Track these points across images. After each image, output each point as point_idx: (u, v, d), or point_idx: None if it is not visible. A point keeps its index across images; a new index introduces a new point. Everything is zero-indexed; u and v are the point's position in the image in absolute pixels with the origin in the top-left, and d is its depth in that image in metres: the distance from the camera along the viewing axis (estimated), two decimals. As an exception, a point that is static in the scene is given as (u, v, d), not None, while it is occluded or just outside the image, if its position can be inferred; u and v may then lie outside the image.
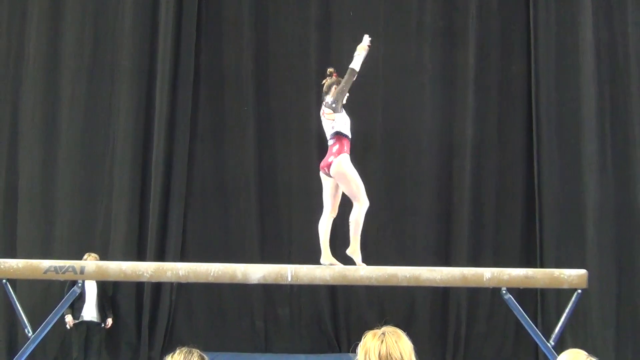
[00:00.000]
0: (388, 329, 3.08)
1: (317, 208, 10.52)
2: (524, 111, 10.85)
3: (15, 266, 6.02)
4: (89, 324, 9.68)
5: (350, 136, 6.44)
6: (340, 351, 10.45)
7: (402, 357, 2.99)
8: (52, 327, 6.20)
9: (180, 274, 6.14)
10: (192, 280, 6.27)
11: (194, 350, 3.13)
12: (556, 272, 6.27)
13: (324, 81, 6.72)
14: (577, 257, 10.20)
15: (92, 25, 10.80)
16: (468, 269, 6.35)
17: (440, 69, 10.92)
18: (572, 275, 6.13)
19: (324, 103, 6.54)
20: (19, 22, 10.77)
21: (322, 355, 10.40)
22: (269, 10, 10.96)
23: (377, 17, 10.90)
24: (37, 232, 10.51)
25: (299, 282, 6.22)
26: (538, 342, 6.32)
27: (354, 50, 10.63)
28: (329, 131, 6.47)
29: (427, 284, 6.25)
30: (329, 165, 6.37)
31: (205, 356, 3.15)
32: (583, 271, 6.17)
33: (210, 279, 6.14)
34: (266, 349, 10.59)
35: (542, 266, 9.99)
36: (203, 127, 10.83)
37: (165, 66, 10.55)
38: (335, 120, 6.41)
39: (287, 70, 10.88)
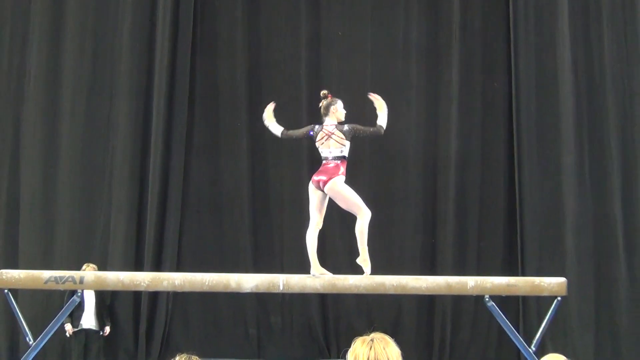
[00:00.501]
0: (376, 336, 3.07)
1: (308, 219, 10.81)
2: (505, 126, 11.00)
3: (17, 276, 6.04)
4: (88, 331, 9.78)
5: (346, 157, 6.70)
6: (330, 357, 10.52)
7: None
8: (52, 335, 6.23)
9: (176, 283, 6.16)
10: (187, 289, 6.31)
11: (193, 356, 3.18)
12: (537, 280, 6.33)
13: (320, 104, 6.94)
14: (557, 266, 10.33)
15: (92, 43, 10.91)
16: (452, 278, 6.44)
17: (425, 86, 11.07)
18: (552, 283, 6.20)
19: (332, 126, 6.78)
20: (20, 41, 10.90)
21: (312, 361, 10.49)
22: (262, 29, 11.12)
23: (364, 36, 11.11)
24: (38, 244, 10.61)
25: (291, 291, 6.27)
26: (520, 348, 6.37)
27: (343, 68, 10.97)
28: (333, 153, 6.69)
29: (414, 292, 6.34)
30: (324, 182, 6.59)
31: None
32: (562, 279, 6.24)
33: (205, 288, 6.17)
34: (259, 356, 10.66)
35: (523, 274, 10.10)
36: (198, 141, 10.93)
37: (161, 83, 10.67)
38: (345, 146, 6.67)
39: (279, 87, 10.99)
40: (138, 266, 10.41)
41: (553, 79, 10.96)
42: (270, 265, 10.27)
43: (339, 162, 6.66)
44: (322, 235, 10.75)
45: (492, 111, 11.16)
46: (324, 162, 6.72)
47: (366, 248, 6.56)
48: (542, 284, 6.27)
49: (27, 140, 10.80)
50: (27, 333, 6.12)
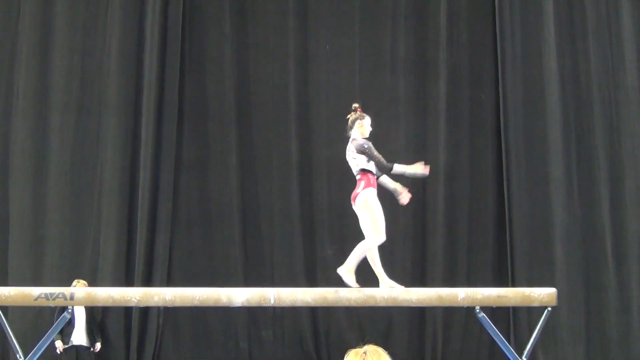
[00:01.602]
0: (369, 348, 3.05)
1: (298, 233, 10.87)
2: (493, 138, 11.07)
3: (7, 293, 5.94)
4: (78, 348, 9.73)
5: (374, 172, 6.61)
6: (321, 370, 10.52)
7: None
8: (43, 352, 6.15)
9: (167, 298, 6.08)
10: (178, 304, 6.23)
11: None
12: (527, 290, 6.35)
13: (348, 116, 6.87)
14: (546, 276, 10.42)
15: (80, 60, 10.91)
16: (443, 289, 6.43)
17: (413, 99, 11.14)
18: (543, 294, 6.18)
19: (350, 140, 6.75)
20: (8, 58, 10.90)
21: (304, 374, 10.46)
22: (250, 45, 11.16)
23: (352, 50, 11.19)
24: (28, 261, 10.57)
25: (282, 304, 6.20)
26: (511, 358, 6.33)
27: (331, 81, 10.99)
28: (353, 167, 6.69)
29: (404, 304, 6.32)
30: (353, 198, 6.59)
31: None
32: (552, 289, 6.24)
33: (196, 303, 6.12)
34: (251, 370, 10.64)
35: (513, 285, 10.13)
36: (187, 157, 10.94)
37: (150, 100, 10.69)
38: (356, 159, 6.60)
39: (267, 102, 11.06)
40: (128, 282, 10.40)
41: (540, 91, 11.06)
42: (261, 279, 10.31)
43: (362, 175, 6.60)
44: (313, 248, 10.91)
45: (480, 123, 11.23)
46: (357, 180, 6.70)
47: (355, 263, 6.57)
48: (532, 294, 6.27)
49: (16, 156, 10.78)
50: (17, 350, 6.05)
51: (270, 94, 11.14)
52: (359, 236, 10.71)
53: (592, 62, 11.18)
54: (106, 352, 10.24)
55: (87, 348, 9.86)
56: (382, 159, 6.61)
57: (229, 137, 10.98)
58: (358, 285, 6.47)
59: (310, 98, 11.15)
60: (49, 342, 6.21)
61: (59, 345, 9.59)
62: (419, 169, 6.77)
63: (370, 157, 6.60)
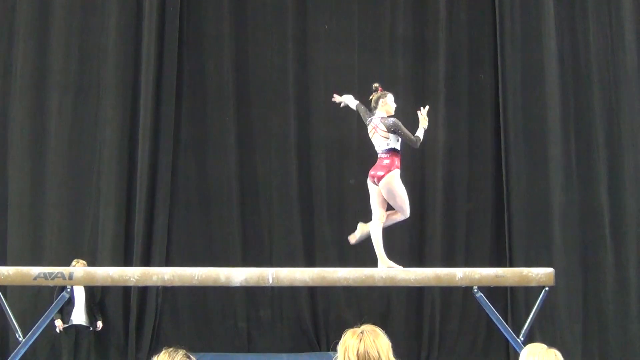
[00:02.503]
0: (366, 328, 3.10)
1: (296, 213, 10.90)
2: (492, 118, 11.09)
3: (5, 273, 5.99)
4: (78, 327, 9.80)
5: (400, 151, 6.70)
6: (320, 350, 10.59)
7: (379, 355, 3.01)
8: (42, 331, 6.23)
9: (166, 278, 6.15)
10: (177, 284, 6.26)
11: (179, 349, 3.16)
12: (525, 270, 6.39)
13: (370, 96, 6.94)
14: (544, 256, 10.46)
15: (78, 40, 10.89)
16: (441, 269, 6.47)
17: (412, 79, 11.15)
18: (540, 274, 6.24)
19: (378, 119, 6.78)
20: (6, 39, 10.86)
21: (303, 354, 10.53)
22: (248, 25, 11.14)
23: (351, 30, 11.18)
24: (26, 240, 10.59)
25: (280, 284, 6.23)
26: (508, 338, 6.43)
27: (329, 62, 10.99)
28: (381, 146, 6.72)
29: (403, 284, 6.38)
30: (379, 177, 6.64)
31: (191, 356, 3.17)
32: (550, 269, 6.30)
33: (195, 283, 6.14)
34: (249, 349, 10.70)
35: (511, 265, 10.17)
36: (186, 137, 10.95)
37: (148, 79, 10.67)
38: (389, 139, 6.67)
39: (266, 82, 11.07)
40: (127, 262, 10.42)
41: (539, 71, 11.06)
42: (260, 259, 10.34)
43: (389, 155, 6.67)
44: (312, 228, 10.93)
45: (479, 103, 11.24)
46: (378, 155, 6.77)
47: (381, 250, 6.70)
48: (530, 274, 6.31)
49: (14, 138, 10.77)
50: (16, 329, 6.10)
51: (269, 74, 11.14)
52: (356, 215, 10.81)
53: (592, 42, 11.18)
54: (105, 331, 10.30)
55: (87, 327, 9.92)
56: (410, 135, 6.69)
57: (228, 117, 10.98)
58: (402, 267, 6.55)
59: (309, 78, 11.14)
60: (47, 321, 6.23)
61: (59, 324, 9.65)
62: (423, 122, 6.87)
63: (401, 135, 6.66)
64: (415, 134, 6.76)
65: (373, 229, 6.77)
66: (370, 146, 10.91)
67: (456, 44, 11.22)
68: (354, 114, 11.00)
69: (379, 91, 6.93)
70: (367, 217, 10.82)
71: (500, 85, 10.95)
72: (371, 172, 6.75)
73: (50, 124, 10.81)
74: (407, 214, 6.78)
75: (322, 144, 11.04)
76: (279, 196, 10.94)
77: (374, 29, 11.25)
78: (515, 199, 10.84)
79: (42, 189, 10.72)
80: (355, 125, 10.99)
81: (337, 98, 7.39)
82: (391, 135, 6.67)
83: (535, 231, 10.89)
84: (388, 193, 6.66)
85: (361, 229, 6.97)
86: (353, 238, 7.06)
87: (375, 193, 6.76)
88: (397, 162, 6.67)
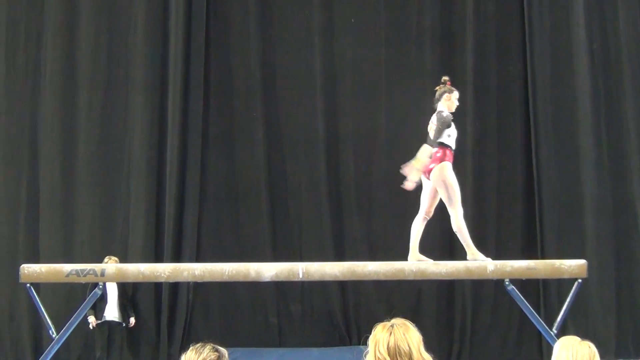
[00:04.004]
0: (397, 322, 3.10)
1: (325, 207, 10.90)
2: (521, 109, 10.99)
3: (38, 271, 6.09)
4: (111, 323, 9.88)
5: (453, 147, 6.66)
6: (350, 344, 10.57)
7: (410, 348, 3.02)
8: (75, 327, 6.30)
9: (196, 273, 6.19)
10: (207, 279, 6.31)
11: (206, 344, 3.17)
12: (557, 262, 6.36)
13: (437, 87, 6.89)
14: (576, 248, 10.33)
15: (106, 38, 10.99)
16: (472, 262, 6.43)
17: (439, 71, 10.77)
18: (573, 266, 6.21)
19: (436, 112, 6.75)
20: (35, 39, 10.97)
21: (333, 348, 10.54)
22: (274, 19, 11.16)
23: (378, 22, 11.12)
24: (58, 238, 10.72)
25: (310, 278, 6.25)
26: (541, 331, 6.39)
27: (356, 55, 10.97)
28: (434, 139, 6.64)
29: (433, 277, 6.38)
30: (429, 170, 6.58)
31: (220, 348, 3.16)
32: (583, 261, 6.26)
33: (225, 278, 6.18)
34: (280, 344, 10.74)
35: (543, 257, 10.05)
36: (214, 133, 10.99)
37: (176, 75, 10.74)
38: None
39: (293, 76, 11.08)
40: (158, 258, 10.51)
41: (568, 61, 10.96)
42: (289, 254, 10.36)
43: (438, 148, 6.60)
44: (341, 222, 10.92)
45: (508, 95, 11.16)
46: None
47: (470, 242, 6.57)
48: (562, 266, 6.27)
49: (45, 135, 10.90)
50: (50, 326, 6.16)
51: (296, 68, 11.14)
52: (385, 209, 10.79)
53: (621, 31, 11.04)
54: (137, 327, 10.37)
55: (119, 323, 10.01)
56: (437, 135, 6.58)
57: (255, 112, 11.01)
58: (490, 259, 6.46)
59: (336, 72, 11.12)
60: (80, 318, 6.31)
61: (92, 320, 9.74)
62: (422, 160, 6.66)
63: (436, 129, 6.59)
64: (437, 140, 6.63)
65: (415, 222, 6.76)
66: (398, 140, 10.99)
67: (484, 35, 11.13)
68: (381, 107, 11.12)
69: (447, 85, 6.82)
70: (396, 211, 10.86)
71: (529, 77, 10.86)
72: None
73: (79, 123, 10.92)
74: (457, 207, 6.62)
75: (350, 138, 11.02)
76: (307, 191, 10.94)
77: (401, 21, 11.19)
78: (546, 190, 10.75)
79: (72, 186, 10.82)
80: (383, 118, 11.02)
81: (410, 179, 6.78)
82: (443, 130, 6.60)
83: (567, 222, 10.80)
84: (438, 184, 6.57)
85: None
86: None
87: (428, 188, 6.71)
88: (448, 155, 6.60)
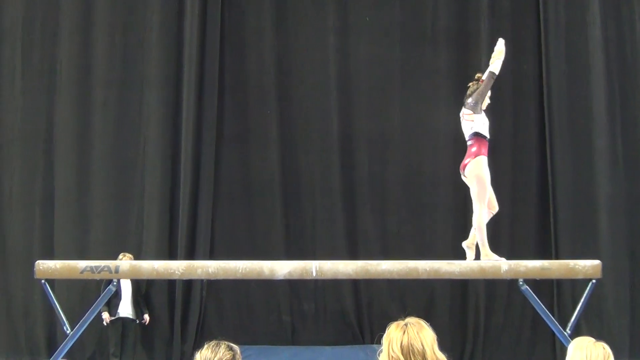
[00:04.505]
0: (411, 320, 3.09)
1: (339, 206, 10.90)
2: (536, 108, 10.95)
3: (53, 267, 6.06)
4: (125, 320, 9.97)
5: (488, 137, 6.41)
6: (364, 342, 10.57)
7: (423, 347, 3.00)
8: (89, 324, 6.30)
9: (210, 271, 6.14)
10: (221, 277, 6.24)
11: (221, 342, 3.16)
12: (571, 263, 6.22)
13: (469, 84, 6.66)
14: (591, 248, 10.29)
15: (121, 37, 11.04)
16: (486, 262, 6.30)
17: (454, 70, 11.01)
18: (587, 266, 6.08)
19: (464, 105, 6.49)
20: (51, 36, 11.03)
21: (346, 346, 10.54)
22: (289, 18, 11.16)
23: (392, 21, 11.11)
24: (73, 235, 10.77)
25: (324, 277, 6.16)
26: (555, 331, 6.32)
27: (371, 53, 10.97)
28: (467, 132, 6.43)
29: (447, 276, 6.22)
30: (464, 166, 6.39)
31: (234, 346, 3.17)
32: (597, 262, 6.12)
33: (239, 276, 6.11)
34: (293, 342, 10.76)
35: (557, 258, 10.05)
36: (228, 131, 11.01)
37: (191, 73, 10.78)
38: (474, 122, 6.37)
39: (308, 75, 11.09)
40: (172, 255, 10.58)
41: (584, 60, 10.92)
42: (303, 252, 10.34)
43: (474, 142, 6.37)
44: (354, 221, 10.93)
45: (523, 94, 11.12)
46: (467, 144, 6.48)
47: (485, 243, 6.35)
48: (576, 266, 6.16)
49: (60, 133, 10.96)
50: (64, 322, 6.16)
51: (310, 67, 11.15)
52: (399, 208, 10.80)
53: (638, 29, 10.99)
54: (151, 324, 10.42)
55: (133, 320, 10.07)
56: (487, 81, 6.37)
57: (270, 110, 11.03)
58: (504, 259, 6.31)
59: (351, 70, 11.12)
60: (94, 314, 6.30)
61: (106, 316, 9.82)
62: (498, 55, 6.54)
63: (481, 90, 6.33)
64: (488, 70, 6.40)
65: (477, 220, 6.42)
66: (412, 139, 11.00)
67: (499, 33, 10.86)
68: (396, 105, 11.12)
69: (480, 82, 6.55)
70: (409, 210, 10.84)
71: (544, 75, 10.83)
72: (461, 166, 6.46)
73: (94, 120, 10.97)
74: (483, 205, 6.33)
75: (364, 137, 11.02)
76: (321, 189, 10.96)
77: (416, 20, 11.17)
78: (560, 190, 10.72)
79: (87, 184, 10.88)
80: (398, 117, 11.01)
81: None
82: (476, 116, 6.34)
83: (581, 223, 10.76)
84: (471, 177, 6.34)
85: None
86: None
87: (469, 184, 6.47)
88: (483, 149, 6.33)
